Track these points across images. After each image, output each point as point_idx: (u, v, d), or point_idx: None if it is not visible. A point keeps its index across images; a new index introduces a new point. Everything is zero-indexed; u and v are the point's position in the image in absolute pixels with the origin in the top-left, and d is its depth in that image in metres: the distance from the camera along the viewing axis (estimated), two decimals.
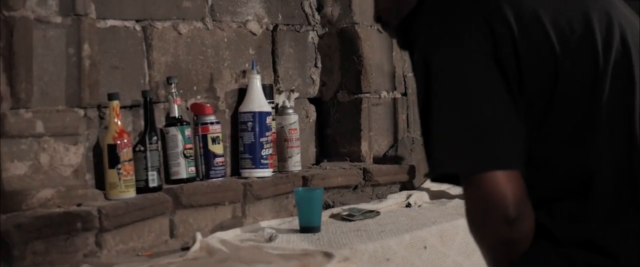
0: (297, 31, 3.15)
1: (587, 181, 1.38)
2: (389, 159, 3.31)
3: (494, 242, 1.39)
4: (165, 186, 2.52)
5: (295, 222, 2.53)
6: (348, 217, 2.67)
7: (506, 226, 1.35)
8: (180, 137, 2.59)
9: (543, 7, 1.41)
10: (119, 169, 2.33)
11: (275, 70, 3.06)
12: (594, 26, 1.41)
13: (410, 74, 3.36)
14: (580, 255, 1.36)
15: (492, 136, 1.35)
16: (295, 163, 2.97)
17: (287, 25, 3.10)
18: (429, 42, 1.41)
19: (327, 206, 2.89)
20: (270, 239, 2.31)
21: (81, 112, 2.25)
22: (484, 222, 1.37)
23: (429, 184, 3.19)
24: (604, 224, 1.36)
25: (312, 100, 3.25)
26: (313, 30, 3.21)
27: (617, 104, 1.39)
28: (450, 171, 1.38)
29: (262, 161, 2.78)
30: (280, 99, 3.04)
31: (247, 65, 2.90)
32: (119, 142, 2.34)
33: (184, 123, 2.61)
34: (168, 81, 2.59)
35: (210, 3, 2.80)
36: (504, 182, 1.33)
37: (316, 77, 3.24)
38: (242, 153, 2.80)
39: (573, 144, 1.39)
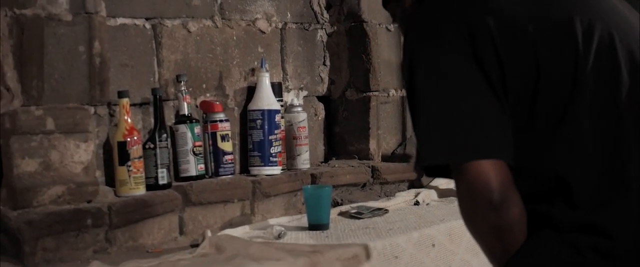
0: (306, 29, 3.16)
1: (578, 167, 1.41)
2: (397, 157, 3.31)
3: (483, 230, 1.44)
4: (174, 183, 2.53)
5: (303, 220, 2.54)
6: (356, 215, 2.67)
7: (493, 212, 1.40)
8: (189, 134, 2.60)
9: (523, 4, 1.45)
10: (129, 166, 2.34)
11: (284, 69, 3.07)
12: (574, 17, 1.46)
13: None
14: (582, 238, 1.39)
15: (474, 128, 1.40)
16: (304, 161, 2.98)
17: (296, 23, 3.11)
18: (414, 40, 1.49)
19: (335, 204, 2.89)
20: (279, 236, 2.31)
21: (91, 109, 2.26)
22: (472, 209, 1.43)
23: (437, 182, 3.20)
24: (599, 207, 1.40)
25: (320, 99, 3.25)
26: (322, 28, 3.22)
27: (601, 90, 1.42)
28: (435, 163, 1.45)
29: (271, 158, 2.79)
30: (289, 97, 3.05)
31: (256, 63, 2.91)
32: (128, 139, 2.35)
33: (194, 121, 2.62)
34: (177, 79, 2.60)
35: (219, 1, 2.81)
36: (488, 170, 1.39)
37: (325, 76, 3.25)
38: (251, 151, 2.81)
39: (560, 133, 1.42)
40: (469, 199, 1.42)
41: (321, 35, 3.22)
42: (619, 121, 1.43)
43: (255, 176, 2.76)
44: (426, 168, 1.52)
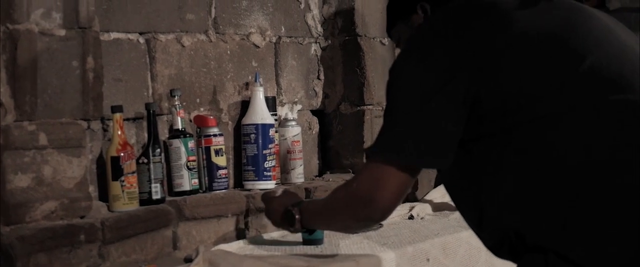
0: (300, 43, 3.16)
1: (559, 191, 1.42)
2: None
3: (350, 221, 1.64)
4: (168, 198, 2.52)
5: (298, 235, 2.52)
6: None
7: (368, 223, 1.63)
8: (183, 149, 2.59)
9: (512, 25, 1.51)
10: (123, 181, 2.33)
11: (278, 83, 3.07)
12: (567, 44, 1.48)
13: None
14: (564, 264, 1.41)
15: (412, 135, 1.51)
16: (298, 175, 2.98)
17: (290, 37, 3.11)
18: (401, 53, 1.61)
19: None
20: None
21: (85, 124, 2.26)
22: (351, 205, 1.60)
23: (431, 196, 3.19)
24: (570, 245, 1.41)
25: (314, 113, 3.25)
26: (316, 42, 3.22)
27: (586, 113, 1.43)
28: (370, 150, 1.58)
29: (265, 173, 2.79)
30: (283, 111, 3.04)
31: (250, 77, 2.91)
32: (122, 154, 2.34)
33: (187, 135, 2.61)
34: (171, 93, 2.60)
35: (213, 15, 2.81)
36: (392, 189, 1.54)
37: (319, 89, 3.25)
38: (245, 165, 2.81)
39: (536, 164, 1.44)
40: (356, 198, 1.57)
41: (315, 49, 3.22)
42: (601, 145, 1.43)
43: (249, 190, 2.76)
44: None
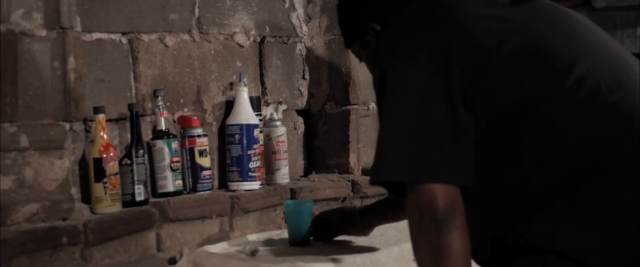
0: (285, 43, 3.14)
1: (548, 192, 1.41)
2: None
3: (424, 249, 1.44)
4: (152, 200, 2.50)
5: (283, 235, 2.52)
6: None
7: (434, 230, 1.41)
8: (167, 150, 2.57)
9: (490, 21, 1.49)
10: (105, 183, 2.32)
11: (262, 83, 3.05)
12: (549, 37, 1.48)
13: None
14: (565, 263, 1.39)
15: (431, 150, 1.42)
16: (284, 175, 2.96)
17: (275, 37, 3.10)
18: (386, 56, 1.51)
19: None
20: (253, 253, 2.29)
21: (67, 125, 2.23)
22: (417, 227, 1.45)
23: None
24: (570, 238, 1.40)
25: (300, 112, 3.24)
26: (301, 42, 3.21)
27: (583, 115, 1.42)
28: (388, 179, 1.48)
29: (249, 173, 2.77)
30: (268, 111, 3.03)
31: (234, 77, 2.89)
32: (105, 155, 2.32)
33: (171, 136, 2.59)
34: (154, 94, 2.58)
35: (197, 15, 2.79)
36: (438, 192, 1.41)
37: (304, 89, 3.24)
38: (229, 166, 2.79)
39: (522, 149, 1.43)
40: (416, 216, 1.44)
41: (300, 48, 3.21)
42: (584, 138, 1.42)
43: (233, 191, 2.74)
44: (382, 183, 1.52)
